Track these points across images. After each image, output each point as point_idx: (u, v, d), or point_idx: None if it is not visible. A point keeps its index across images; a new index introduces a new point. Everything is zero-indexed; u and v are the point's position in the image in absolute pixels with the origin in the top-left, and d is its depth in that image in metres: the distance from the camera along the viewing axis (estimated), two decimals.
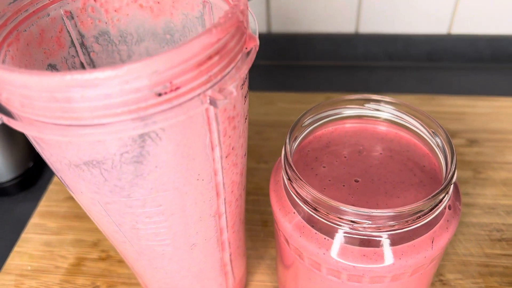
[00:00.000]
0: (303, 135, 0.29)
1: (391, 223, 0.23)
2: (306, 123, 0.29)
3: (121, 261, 0.39)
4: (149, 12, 0.26)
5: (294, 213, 0.26)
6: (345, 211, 0.23)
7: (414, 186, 0.27)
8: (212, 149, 0.21)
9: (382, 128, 0.30)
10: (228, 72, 0.19)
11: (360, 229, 0.23)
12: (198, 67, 0.17)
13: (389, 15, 0.57)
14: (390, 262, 0.24)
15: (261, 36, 0.59)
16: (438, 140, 0.27)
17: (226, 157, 0.23)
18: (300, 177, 0.24)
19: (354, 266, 0.24)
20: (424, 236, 0.24)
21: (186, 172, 0.21)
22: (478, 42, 0.58)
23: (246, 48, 0.20)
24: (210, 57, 0.18)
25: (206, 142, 0.20)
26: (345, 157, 0.29)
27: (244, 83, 0.22)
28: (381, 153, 0.29)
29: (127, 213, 0.22)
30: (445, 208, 0.25)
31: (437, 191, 0.23)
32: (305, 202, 0.25)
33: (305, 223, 0.26)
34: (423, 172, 0.28)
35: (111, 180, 0.20)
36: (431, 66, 0.59)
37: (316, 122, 0.30)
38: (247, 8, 0.20)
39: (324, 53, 0.61)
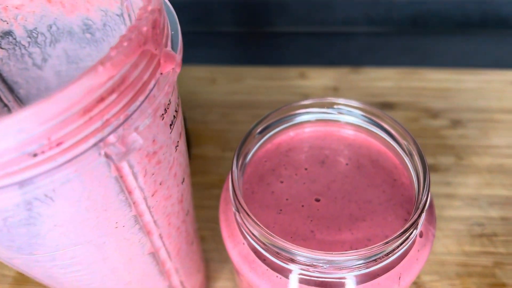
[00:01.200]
0: (259, 145, 0.25)
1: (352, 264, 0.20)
2: (259, 131, 0.25)
3: None
4: (60, 7, 0.21)
5: (243, 244, 0.23)
6: (298, 253, 0.20)
7: (383, 206, 0.23)
8: (130, 193, 0.17)
9: (349, 132, 0.26)
10: (137, 108, 0.15)
11: (315, 271, 0.20)
12: (86, 113, 0.13)
13: None
14: None
15: (227, 0, 0.53)
16: (411, 159, 0.23)
17: (153, 195, 0.19)
18: (247, 211, 0.21)
19: None
20: (390, 272, 0.21)
21: (98, 224, 0.17)
22: (466, 4, 0.53)
23: (162, 74, 0.16)
24: (102, 99, 0.13)
25: (117, 190, 0.17)
26: (305, 169, 0.25)
27: (168, 108, 0.18)
28: (347, 164, 0.25)
29: (36, 267, 0.19)
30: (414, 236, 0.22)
31: (405, 227, 0.20)
32: (254, 236, 0.21)
33: (255, 257, 0.22)
34: (393, 188, 0.24)
35: (4, 242, 0.16)
36: (415, 32, 0.54)
37: (273, 130, 0.26)
38: (161, 14, 0.16)
39: (299, 19, 0.56)
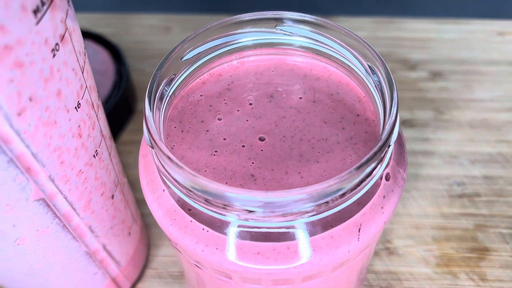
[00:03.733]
0: (190, 71, 0.20)
1: (296, 210, 0.15)
2: (189, 55, 0.20)
3: None
4: None
5: (163, 190, 0.18)
6: (228, 196, 0.15)
7: (341, 146, 0.19)
8: None
9: (303, 60, 0.22)
10: None
11: (251, 218, 0.15)
12: None
13: None
14: (297, 261, 0.16)
15: None
16: (376, 77, 0.18)
17: (19, 114, 0.14)
18: (161, 147, 0.16)
19: (246, 269, 0.17)
20: (348, 222, 0.17)
21: None
22: None
23: None
24: None
25: None
26: (250, 104, 0.20)
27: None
28: (300, 98, 0.21)
29: None
30: (380, 178, 0.17)
31: (366, 158, 0.15)
32: (174, 180, 0.16)
33: (177, 206, 0.17)
34: (355, 125, 0.19)
35: None
36: None
37: (208, 54, 0.21)
38: None
39: None
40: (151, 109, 0.17)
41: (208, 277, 0.19)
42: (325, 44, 0.20)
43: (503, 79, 0.38)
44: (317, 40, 0.20)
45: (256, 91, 0.21)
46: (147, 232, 0.30)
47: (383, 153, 0.16)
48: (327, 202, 0.15)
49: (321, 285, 0.19)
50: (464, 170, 0.33)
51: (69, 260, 0.21)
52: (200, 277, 0.20)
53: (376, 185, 0.17)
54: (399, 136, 0.19)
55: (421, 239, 0.29)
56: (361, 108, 0.20)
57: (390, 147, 0.16)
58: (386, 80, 0.17)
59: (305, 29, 0.20)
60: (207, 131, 0.20)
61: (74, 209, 0.19)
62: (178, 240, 0.17)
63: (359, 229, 0.17)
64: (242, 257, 0.16)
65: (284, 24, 0.20)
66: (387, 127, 0.16)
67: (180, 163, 0.15)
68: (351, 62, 0.20)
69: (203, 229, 0.17)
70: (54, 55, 0.14)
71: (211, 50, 0.20)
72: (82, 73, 0.17)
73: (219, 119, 0.20)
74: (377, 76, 0.18)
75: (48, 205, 0.17)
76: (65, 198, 0.18)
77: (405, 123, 0.35)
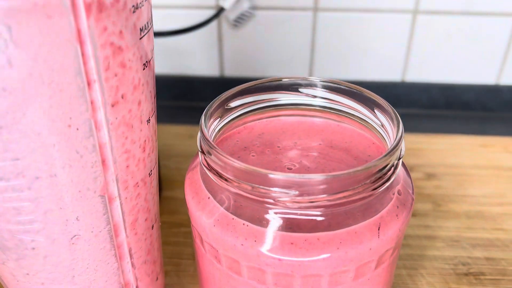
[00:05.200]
0: (229, 120, 0.25)
1: (324, 195, 0.18)
2: (232, 105, 0.25)
3: None
4: None
5: (208, 198, 0.21)
6: (270, 178, 0.18)
7: None
8: (89, 84, 0.17)
9: (321, 120, 0.26)
10: None
11: (287, 204, 0.18)
12: None
13: (342, 61, 0.56)
14: (326, 253, 0.18)
15: (213, 80, 0.57)
16: (381, 116, 0.23)
17: (113, 106, 0.18)
18: (215, 146, 0.20)
19: (280, 260, 0.19)
20: (368, 221, 0.19)
21: (50, 109, 0.16)
22: (431, 89, 0.57)
23: None
24: None
25: (76, 69, 0.16)
26: (278, 147, 0.25)
27: (140, 7, 0.18)
28: (320, 144, 0.25)
29: None
30: (393, 194, 0.21)
31: (384, 154, 0.19)
32: (218, 174, 0.19)
33: (221, 208, 0.20)
34: (367, 162, 0.23)
35: None
36: None
37: (248, 107, 0.25)
38: None
39: None
40: (206, 122, 0.21)
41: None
42: (340, 103, 0.25)
43: (491, 179, 0.42)
44: (333, 100, 0.25)
45: (282, 140, 0.25)
46: None
47: (397, 150, 0.19)
48: (351, 189, 0.18)
49: None
50: (467, 252, 0.35)
51: (104, 283, 0.22)
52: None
53: (390, 198, 0.20)
54: (405, 167, 0.23)
55: None
56: (373, 151, 0.24)
57: (400, 160, 0.20)
58: (393, 113, 0.21)
59: (325, 91, 0.25)
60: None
61: (124, 221, 0.21)
62: (221, 240, 0.19)
63: (379, 228, 0.19)
64: (277, 248, 0.19)
65: (309, 88, 0.26)
66: (399, 133, 0.20)
67: (231, 158, 0.19)
68: (363, 114, 0.24)
69: (244, 224, 0.19)
70: (143, 69, 0.19)
71: (250, 104, 0.25)
72: (155, 98, 0.21)
73: (253, 156, 0.24)
74: (386, 114, 0.22)
75: (107, 207, 0.20)
76: (121, 205, 0.21)
77: None
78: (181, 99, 0.59)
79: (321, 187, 0.18)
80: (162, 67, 0.57)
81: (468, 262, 0.34)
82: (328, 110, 0.26)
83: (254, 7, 0.53)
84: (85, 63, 0.16)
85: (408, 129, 0.51)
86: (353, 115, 0.25)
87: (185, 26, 0.51)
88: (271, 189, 0.18)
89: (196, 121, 0.23)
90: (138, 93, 0.19)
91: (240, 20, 0.52)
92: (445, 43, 0.54)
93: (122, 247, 0.22)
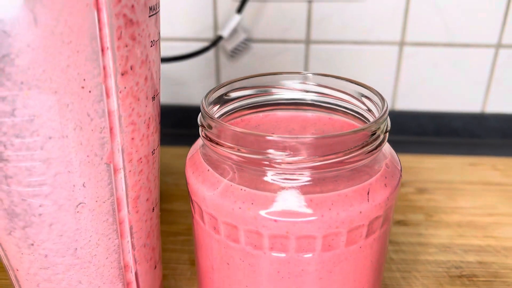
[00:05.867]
0: (228, 108, 0.27)
1: (316, 156, 0.19)
2: (230, 96, 0.27)
3: None
4: None
5: (208, 170, 0.22)
6: (262, 137, 0.19)
7: None
8: (102, 50, 0.18)
9: (312, 114, 0.28)
10: None
11: (281, 165, 0.20)
12: None
13: None
14: (319, 214, 0.19)
15: None
16: (366, 101, 0.25)
17: (123, 74, 0.19)
18: (214, 118, 0.21)
19: (276, 221, 0.20)
20: (358, 186, 0.20)
21: (67, 68, 0.17)
22: (420, 117, 0.60)
23: None
24: None
25: (92, 31, 0.18)
26: (272, 133, 0.26)
27: None
28: (313, 133, 0.26)
29: None
30: (381, 165, 0.22)
31: (372, 121, 0.20)
32: (218, 144, 0.21)
33: (220, 177, 0.21)
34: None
35: None
36: None
37: (248, 98, 0.27)
38: None
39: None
40: (206, 101, 0.23)
41: (238, 257, 0.21)
42: (330, 95, 0.27)
43: (481, 193, 0.43)
44: (323, 93, 0.27)
45: (278, 129, 0.27)
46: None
47: (385, 118, 0.21)
48: (341, 152, 0.19)
49: (339, 262, 0.21)
50: (459, 257, 0.35)
51: (104, 260, 0.23)
52: (230, 264, 0.22)
53: (379, 169, 0.22)
54: (393, 150, 0.24)
55: None
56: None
57: (387, 134, 0.22)
58: (377, 93, 0.23)
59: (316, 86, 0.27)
60: None
61: (127, 196, 0.22)
62: (220, 206, 0.21)
63: (368, 192, 0.20)
64: (272, 210, 0.20)
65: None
66: (384, 106, 0.21)
67: (230, 126, 0.20)
68: (351, 104, 0.26)
69: (241, 189, 0.20)
70: (151, 46, 0.21)
71: (247, 97, 0.27)
72: (159, 80, 0.23)
73: None
74: (371, 92, 0.24)
75: (111, 176, 0.21)
76: (124, 178, 0.22)
77: (399, 222, 0.39)
78: (180, 127, 0.61)
79: (313, 148, 0.19)
80: (162, 96, 0.60)
81: (461, 265, 0.34)
82: (319, 103, 0.28)
83: (250, 40, 0.56)
84: (100, 29, 0.18)
85: (399, 152, 0.53)
86: (342, 106, 0.27)
87: (184, 53, 0.54)
88: (267, 151, 0.19)
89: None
90: (145, 68, 0.21)
91: (236, 51, 0.55)
92: (431, 73, 0.57)
93: (123, 223, 0.23)
